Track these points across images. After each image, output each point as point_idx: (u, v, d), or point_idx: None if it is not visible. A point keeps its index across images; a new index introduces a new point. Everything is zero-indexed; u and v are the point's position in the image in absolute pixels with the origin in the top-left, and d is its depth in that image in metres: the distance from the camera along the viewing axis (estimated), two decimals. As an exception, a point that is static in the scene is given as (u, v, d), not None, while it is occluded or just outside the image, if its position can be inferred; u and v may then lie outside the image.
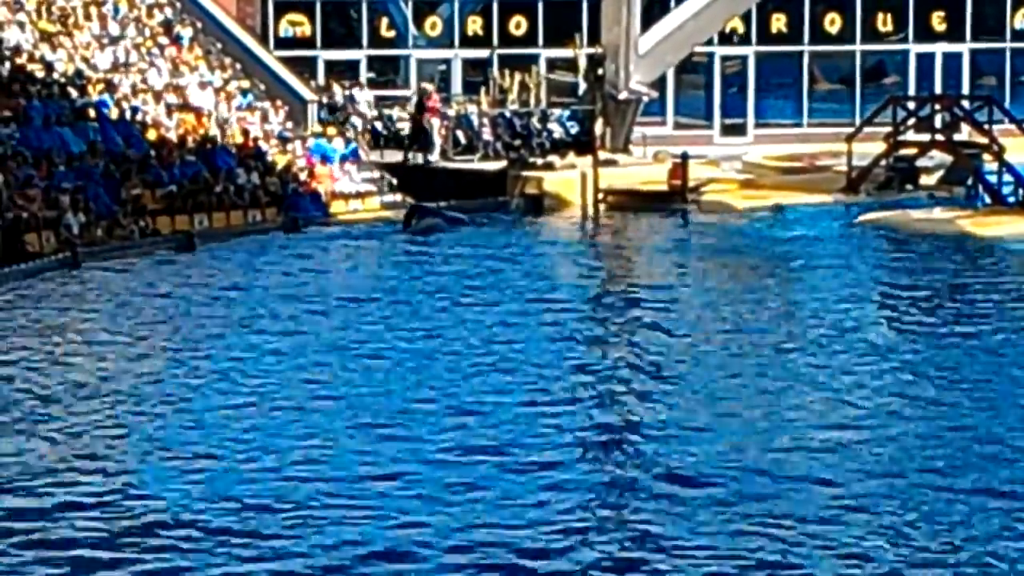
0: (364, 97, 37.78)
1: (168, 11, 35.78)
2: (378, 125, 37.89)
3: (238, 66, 35.39)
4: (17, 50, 30.53)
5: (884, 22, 43.36)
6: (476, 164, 34.89)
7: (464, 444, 13.79)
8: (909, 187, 33.32)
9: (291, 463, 13.26)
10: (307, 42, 41.09)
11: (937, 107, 35.59)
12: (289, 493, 12.38)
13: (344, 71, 40.86)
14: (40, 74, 29.76)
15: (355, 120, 36.31)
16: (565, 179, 32.53)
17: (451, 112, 37.31)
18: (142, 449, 13.79)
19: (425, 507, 12.03)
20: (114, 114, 29.58)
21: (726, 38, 42.08)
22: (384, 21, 41.96)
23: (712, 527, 11.50)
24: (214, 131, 30.88)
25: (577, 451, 13.64)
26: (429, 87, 36.89)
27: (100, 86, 30.43)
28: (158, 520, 11.75)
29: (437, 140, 35.96)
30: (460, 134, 36.36)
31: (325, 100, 36.73)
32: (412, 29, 41.87)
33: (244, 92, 33.86)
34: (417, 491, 12.44)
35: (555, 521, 11.68)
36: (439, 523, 11.62)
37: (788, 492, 12.34)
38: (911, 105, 35.43)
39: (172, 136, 29.99)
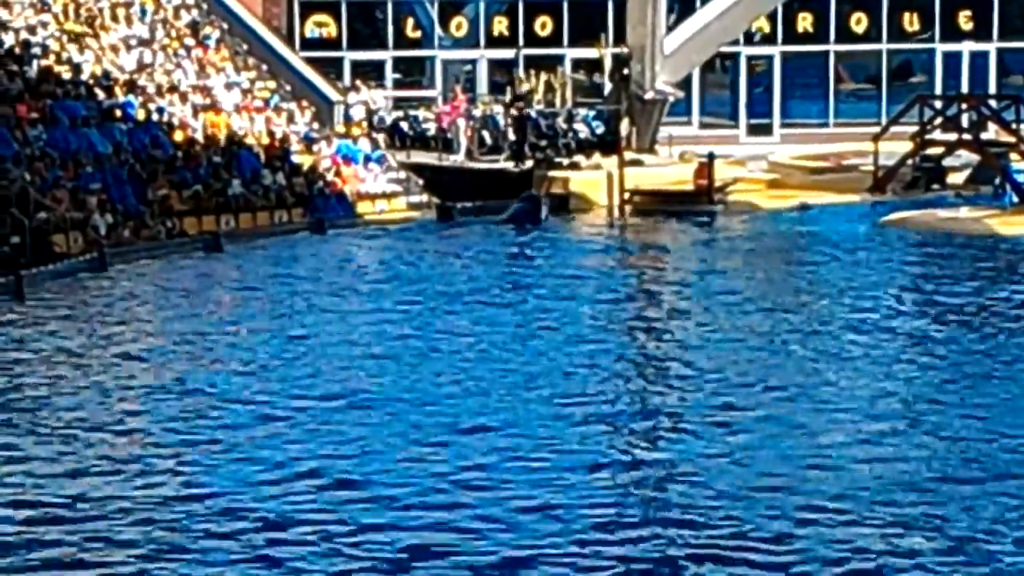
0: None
1: (195, 12, 35.91)
2: (404, 126, 37.94)
3: (264, 67, 35.49)
4: (44, 51, 30.66)
5: (910, 21, 43.29)
6: (502, 164, 34.93)
7: (492, 442, 13.77)
8: (936, 186, 33.25)
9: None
10: (333, 43, 41.19)
11: (964, 106, 35.52)
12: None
13: (370, 72, 40.97)
14: (67, 75, 29.88)
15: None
16: (591, 179, 32.53)
17: (477, 112, 37.37)
18: (180, 451, 13.78)
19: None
20: (140, 115, 29.68)
21: (751, 38, 42.07)
22: (410, 22, 42.05)
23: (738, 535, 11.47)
24: (240, 132, 30.99)
25: (601, 453, 13.61)
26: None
27: (127, 87, 30.55)
28: (204, 520, 11.74)
29: (463, 141, 36.02)
30: (486, 134, 36.40)
31: (350, 101, 36.79)
32: (438, 30, 41.92)
33: (270, 93, 33.95)
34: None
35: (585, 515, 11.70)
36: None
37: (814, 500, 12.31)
38: (938, 104, 35.36)
39: (199, 137, 30.10)
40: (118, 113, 29.26)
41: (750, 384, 16.02)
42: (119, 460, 13.36)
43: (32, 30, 31.44)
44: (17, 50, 30.08)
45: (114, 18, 33.75)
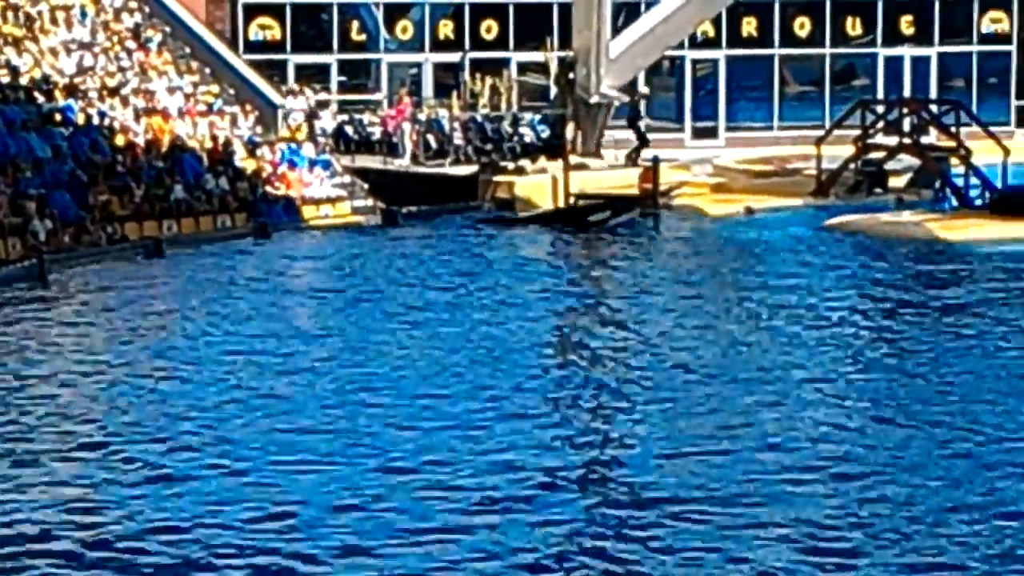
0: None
1: (137, 15, 35.66)
2: (348, 129, 37.81)
3: (207, 70, 35.28)
4: (-17, 55, 30.41)
5: (853, 25, 43.51)
6: (447, 168, 34.88)
7: (427, 464, 13.66)
8: (878, 190, 33.48)
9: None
10: (277, 46, 41.01)
11: (905, 111, 35.80)
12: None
13: (314, 75, 40.81)
14: (5, 79, 29.61)
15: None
16: (536, 183, 32.53)
17: (422, 116, 37.30)
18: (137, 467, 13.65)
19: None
20: (81, 119, 29.44)
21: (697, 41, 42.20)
22: (355, 25, 41.91)
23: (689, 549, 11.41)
24: (182, 136, 30.80)
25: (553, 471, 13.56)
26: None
27: (67, 91, 30.30)
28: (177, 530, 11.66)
29: (408, 145, 35.94)
30: (431, 138, 36.35)
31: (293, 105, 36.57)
32: (383, 33, 41.81)
33: (214, 97, 33.75)
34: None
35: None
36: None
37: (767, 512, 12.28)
38: (880, 109, 35.59)
39: (140, 141, 29.88)
40: (58, 117, 29.02)
41: (696, 396, 16.05)
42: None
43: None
44: (-45, 54, 29.84)
45: (54, 21, 33.46)
